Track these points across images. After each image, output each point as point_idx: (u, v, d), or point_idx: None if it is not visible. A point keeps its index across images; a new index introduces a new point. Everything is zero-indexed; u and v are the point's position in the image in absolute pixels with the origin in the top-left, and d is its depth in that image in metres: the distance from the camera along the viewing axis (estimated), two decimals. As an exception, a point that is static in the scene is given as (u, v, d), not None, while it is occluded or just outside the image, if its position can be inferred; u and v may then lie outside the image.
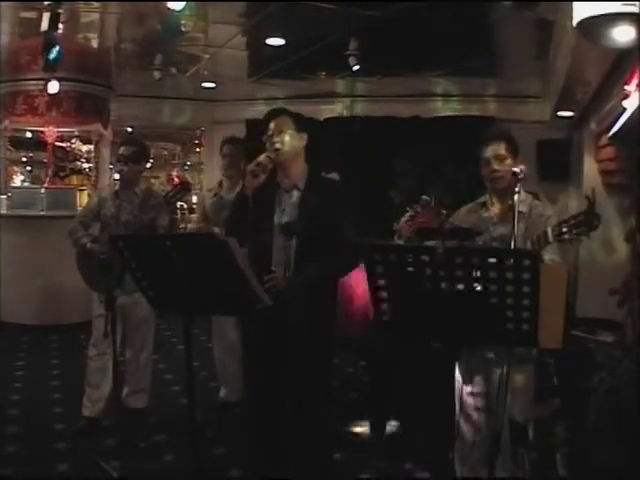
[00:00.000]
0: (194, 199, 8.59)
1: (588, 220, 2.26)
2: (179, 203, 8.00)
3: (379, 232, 4.28)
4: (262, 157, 2.66)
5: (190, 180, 9.05)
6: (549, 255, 2.48)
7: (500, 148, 2.63)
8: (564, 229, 2.32)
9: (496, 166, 2.62)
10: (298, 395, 2.66)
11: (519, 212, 2.58)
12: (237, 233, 2.28)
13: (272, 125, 2.74)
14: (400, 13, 4.42)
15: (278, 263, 2.65)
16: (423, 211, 3.90)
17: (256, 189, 2.62)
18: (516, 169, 2.53)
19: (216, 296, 2.09)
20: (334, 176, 3.68)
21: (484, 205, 2.75)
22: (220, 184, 4.25)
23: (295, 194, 2.75)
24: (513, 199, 2.59)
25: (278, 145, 2.69)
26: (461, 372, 2.64)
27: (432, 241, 2.30)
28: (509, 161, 2.63)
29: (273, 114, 2.78)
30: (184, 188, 3.71)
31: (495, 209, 2.71)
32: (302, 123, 2.81)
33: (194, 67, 6.75)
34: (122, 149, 3.74)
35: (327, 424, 2.92)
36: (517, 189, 2.50)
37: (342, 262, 2.73)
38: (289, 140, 2.71)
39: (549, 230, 2.37)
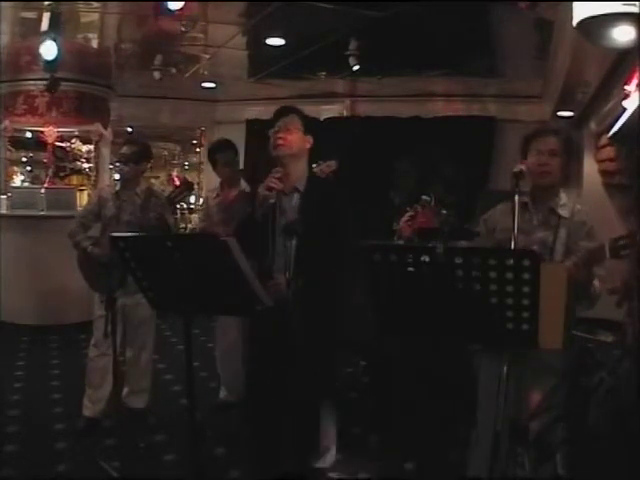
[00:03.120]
0: (192, 199, 8.61)
1: None
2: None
3: (379, 232, 4.28)
4: (273, 180, 2.61)
5: (190, 180, 9.06)
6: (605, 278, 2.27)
7: (554, 142, 2.47)
8: (622, 245, 2.04)
9: (546, 159, 2.44)
10: (302, 397, 2.66)
11: (560, 217, 2.47)
12: (247, 238, 2.27)
13: (280, 122, 2.72)
14: (400, 13, 4.42)
15: (279, 266, 2.65)
16: (423, 211, 3.90)
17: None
18: (516, 169, 2.50)
19: (216, 296, 2.09)
20: (332, 164, 3.67)
21: (525, 206, 2.51)
22: (222, 186, 4.30)
23: (295, 196, 2.73)
24: (555, 202, 2.49)
25: (281, 142, 2.67)
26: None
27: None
28: (561, 159, 2.48)
29: (284, 112, 2.76)
30: (187, 188, 3.70)
31: (535, 211, 2.52)
32: (310, 126, 2.80)
33: (194, 67, 6.74)
34: (124, 149, 3.74)
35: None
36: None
37: (343, 264, 2.71)
38: (294, 139, 2.70)
39: (606, 245, 2.10)
